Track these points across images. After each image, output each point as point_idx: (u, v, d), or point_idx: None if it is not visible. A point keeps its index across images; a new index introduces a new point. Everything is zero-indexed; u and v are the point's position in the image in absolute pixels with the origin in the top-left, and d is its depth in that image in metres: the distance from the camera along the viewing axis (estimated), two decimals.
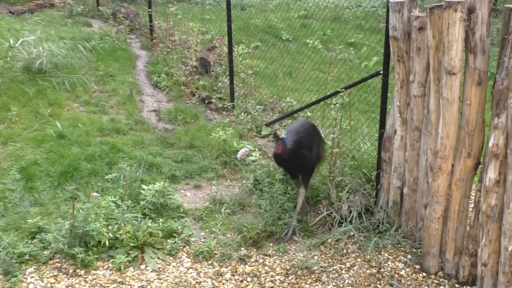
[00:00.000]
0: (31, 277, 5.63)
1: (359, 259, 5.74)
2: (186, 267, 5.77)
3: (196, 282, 5.52)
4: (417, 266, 5.58)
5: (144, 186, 6.80)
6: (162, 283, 5.53)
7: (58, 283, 5.57)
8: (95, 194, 6.32)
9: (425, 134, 5.49)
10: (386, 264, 5.63)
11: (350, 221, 6.10)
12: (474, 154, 5.13)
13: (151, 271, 5.72)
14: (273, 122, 8.76)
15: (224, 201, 6.73)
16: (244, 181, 7.17)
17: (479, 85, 4.93)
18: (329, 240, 6.02)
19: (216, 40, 11.40)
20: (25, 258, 5.79)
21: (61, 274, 5.68)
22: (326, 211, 6.27)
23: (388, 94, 6.11)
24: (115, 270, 5.72)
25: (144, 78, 10.88)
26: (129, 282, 5.57)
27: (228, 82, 9.80)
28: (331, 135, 6.59)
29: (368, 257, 5.74)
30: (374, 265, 5.64)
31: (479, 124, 5.03)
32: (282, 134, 5.86)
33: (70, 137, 8.29)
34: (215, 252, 5.91)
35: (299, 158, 5.97)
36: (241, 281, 5.53)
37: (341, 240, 5.97)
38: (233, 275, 5.62)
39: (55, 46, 10.38)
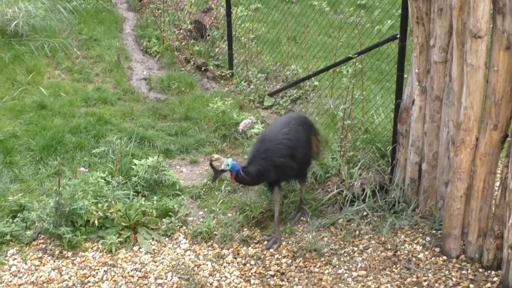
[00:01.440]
0: (13, 259, 5.71)
1: (373, 241, 5.82)
2: (183, 249, 5.86)
3: (195, 265, 5.61)
4: (437, 249, 5.66)
5: (135, 161, 6.85)
6: (157, 265, 5.62)
7: (43, 265, 5.65)
8: (82, 169, 6.37)
9: (447, 104, 5.53)
10: (402, 247, 5.71)
11: (363, 200, 6.17)
12: (501, 126, 5.17)
13: (145, 253, 5.79)
14: (277, 92, 8.79)
15: (224, 178, 6.77)
16: (246, 156, 7.20)
17: (508, 50, 4.96)
18: (340, 220, 6.09)
19: (212, 1, 11.36)
20: (6, 238, 5.86)
21: (46, 255, 5.76)
22: (336, 189, 6.32)
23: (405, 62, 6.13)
24: (105, 252, 5.80)
25: (132, 43, 10.87)
26: (121, 264, 5.65)
27: (226, 48, 9.79)
28: (342, 106, 6.62)
29: (383, 239, 5.82)
30: (389, 247, 5.72)
31: (507, 93, 5.06)
32: (222, 165, 5.46)
33: (52, 108, 8.31)
34: (215, 232, 5.98)
35: (268, 175, 5.75)
36: (244, 264, 5.62)
37: (353, 220, 6.05)
38: (235, 258, 5.70)
39: (32, 6, 10.32)
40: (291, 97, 8.72)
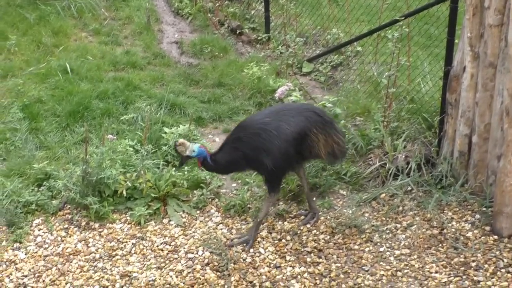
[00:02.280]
0: (39, 229, 5.80)
1: (417, 218, 5.77)
2: (215, 222, 5.89)
3: (227, 239, 5.63)
4: (487, 228, 5.58)
5: (166, 129, 6.87)
6: (188, 239, 5.65)
7: (70, 236, 5.73)
8: (110, 136, 6.42)
9: (501, 72, 5.41)
10: (449, 225, 5.65)
11: (408, 174, 6.10)
12: None
13: (175, 226, 5.83)
14: (316, 58, 8.70)
15: None
16: None
17: None
18: (382, 195, 6.04)
19: None
20: (32, 208, 5.96)
21: (72, 226, 5.84)
22: (379, 162, 6.27)
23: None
24: (134, 224, 5.85)
25: (163, 4, 10.85)
26: (150, 237, 5.70)
27: (263, 10, 9.72)
28: (386, 73, 6.53)
29: (429, 215, 5.76)
30: (435, 225, 5.66)
31: None
32: (187, 151, 5.34)
33: (79, 72, 8.37)
34: (249, 206, 5.99)
35: (239, 166, 5.57)
36: (279, 240, 5.62)
37: (397, 195, 5.99)
38: (270, 233, 5.70)
39: None
40: (331, 63, 8.63)
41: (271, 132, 5.28)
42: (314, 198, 5.98)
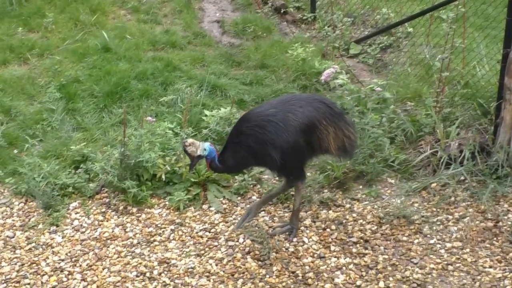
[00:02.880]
0: (76, 213, 5.89)
1: (470, 210, 5.70)
2: None
3: (269, 227, 5.64)
4: None
5: (206, 112, 6.89)
6: (228, 226, 5.68)
7: (107, 221, 5.81)
8: (149, 118, 6.46)
9: None
10: (505, 217, 5.57)
11: (461, 163, 6.02)
12: None
13: (215, 212, 5.86)
14: (364, 39, 8.62)
15: None
16: None
17: None
18: (433, 184, 5.98)
19: None
20: (68, 190, 6.05)
21: (110, 210, 5.91)
22: (430, 150, 6.20)
23: None
24: (172, 210, 5.90)
25: None
26: (189, 223, 5.74)
27: None
28: (439, 56, 6.44)
29: (483, 207, 5.68)
30: (490, 217, 5.59)
31: None
32: (198, 151, 5.17)
33: (117, 51, 8.44)
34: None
35: (247, 163, 5.40)
36: (324, 229, 5.60)
37: (449, 185, 5.93)
38: (314, 222, 5.69)
39: None
40: (380, 45, 8.54)
41: (277, 124, 5.10)
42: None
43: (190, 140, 5.23)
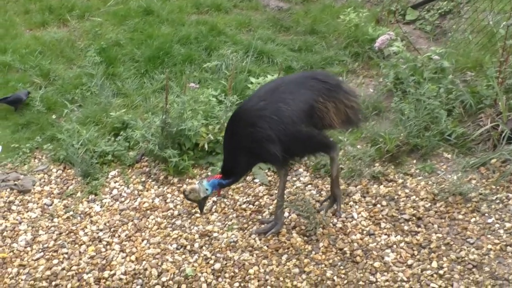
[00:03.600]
0: (115, 182, 5.96)
1: None
2: (303, 183, 5.90)
3: (316, 201, 5.63)
4: None
5: (252, 79, 6.87)
6: (273, 199, 5.69)
7: (147, 190, 5.87)
8: (192, 85, 6.47)
9: None
10: None
11: None
12: None
13: (260, 185, 5.88)
14: (422, 4, 8.47)
15: None
16: (382, 79, 7.07)
17: None
18: (493, 160, 5.88)
19: None
20: (108, 158, 6.12)
21: (150, 180, 5.97)
22: (490, 123, 6.09)
23: None
24: None
25: None
26: (232, 195, 5.77)
27: None
28: (504, 23, 6.29)
29: None
30: None
31: None
32: (201, 193, 5.11)
33: (160, 14, 8.45)
34: (341, 166, 5.95)
35: (251, 163, 5.28)
36: (374, 205, 5.58)
37: (510, 161, 5.82)
38: (364, 197, 5.67)
39: None
40: (439, 11, 8.37)
41: (271, 118, 4.95)
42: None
43: (188, 188, 5.15)
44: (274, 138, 4.92)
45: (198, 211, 5.50)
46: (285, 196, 5.56)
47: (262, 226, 5.47)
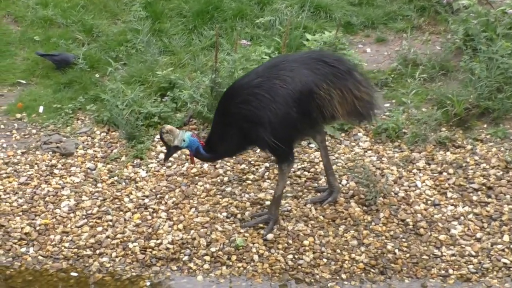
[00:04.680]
0: (161, 145, 5.97)
1: None
2: (363, 148, 5.85)
3: (376, 169, 5.59)
4: None
5: (308, 36, 6.81)
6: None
7: None
8: (243, 42, 6.43)
9: None
10: None
11: None
12: None
13: (316, 150, 5.84)
14: None
15: (420, 62, 6.59)
16: (450, 36, 6.92)
17: None
18: None
19: None
20: (154, 120, 6.15)
21: None
22: None
23: None
24: None
25: None
26: None
27: None
28: None
29: None
30: None
31: None
32: (175, 140, 5.04)
33: None
34: (404, 130, 5.89)
35: (240, 146, 5.15)
36: (440, 173, 5.51)
37: None
38: (429, 164, 5.60)
39: None
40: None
41: (264, 96, 4.82)
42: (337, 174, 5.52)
43: (168, 127, 5.09)
44: (265, 119, 4.80)
45: (246, 177, 5.51)
46: (343, 161, 5.55)
47: (318, 194, 5.45)
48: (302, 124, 4.88)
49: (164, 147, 5.30)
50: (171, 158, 5.71)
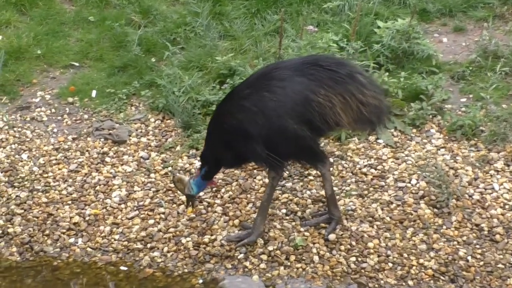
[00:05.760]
0: None
1: None
2: (435, 146, 5.79)
3: (450, 168, 5.52)
4: None
5: (379, 23, 6.76)
6: (399, 164, 5.62)
7: None
8: (310, 28, 6.42)
9: None
10: None
11: None
12: None
13: (384, 146, 5.81)
14: None
15: (501, 54, 6.49)
16: None
17: None
18: None
19: None
20: (211, 109, 6.16)
21: None
22: None
23: None
24: (332, 139, 5.90)
25: None
26: (351, 157, 5.74)
27: None
28: None
29: None
30: None
31: None
32: (186, 189, 5.09)
33: None
34: (481, 128, 5.82)
35: (229, 161, 5.11)
36: None
37: None
38: (508, 165, 5.52)
39: None
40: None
41: (250, 109, 4.74)
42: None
43: (177, 177, 5.16)
44: (253, 133, 4.72)
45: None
46: (413, 159, 5.50)
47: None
48: (307, 132, 4.76)
49: None
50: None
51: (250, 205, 5.38)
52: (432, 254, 4.90)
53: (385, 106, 4.97)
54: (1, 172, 5.88)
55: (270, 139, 4.72)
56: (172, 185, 5.51)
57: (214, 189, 5.57)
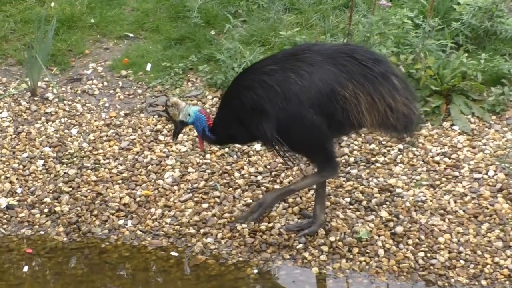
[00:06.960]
0: None
1: None
2: None
3: None
4: None
5: None
6: (475, 153, 5.58)
7: None
8: (383, 2, 6.36)
9: None
10: None
11: None
12: None
13: (460, 133, 5.76)
14: None
15: None
16: None
17: None
18: None
19: None
20: None
21: None
22: None
23: None
24: None
25: None
26: (423, 144, 5.73)
27: None
28: None
29: None
30: None
31: None
32: (180, 115, 4.95)
33: None
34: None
35: (239, 136, 5.03)
36: None
37: None
38: None
39: None
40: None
41: (272, 87, 4.68)
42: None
43: (173, 99, 5.04)
44: (269, 112, 4.66)
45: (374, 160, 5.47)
46: (491, 148, 5.43)
47: (298, 221, 5.27)
48: (325, 127, 4.70)
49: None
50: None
51: (311, 192, 5.37)
52: (508, 252, 4.84)
53: (416, 116, 4.82)
54: (50, 147, 5.97)
55: (285, 124, 4.67)
56: (228, 167, 5.55)
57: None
